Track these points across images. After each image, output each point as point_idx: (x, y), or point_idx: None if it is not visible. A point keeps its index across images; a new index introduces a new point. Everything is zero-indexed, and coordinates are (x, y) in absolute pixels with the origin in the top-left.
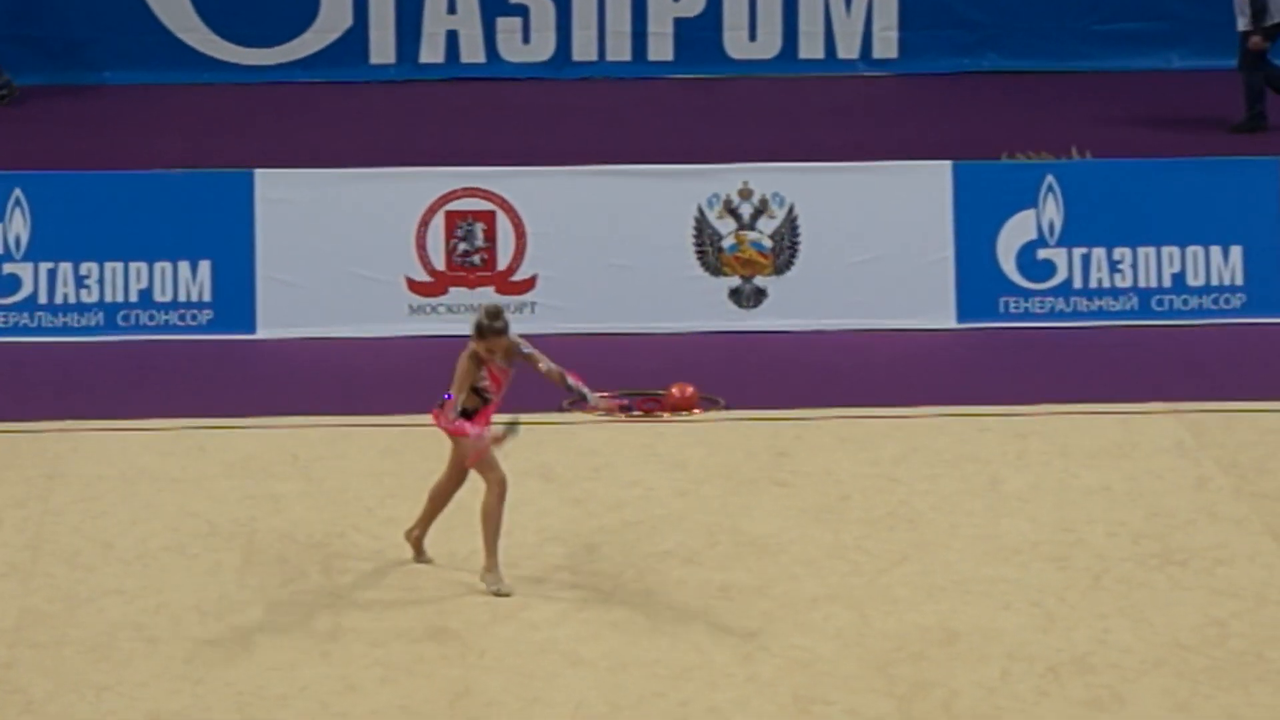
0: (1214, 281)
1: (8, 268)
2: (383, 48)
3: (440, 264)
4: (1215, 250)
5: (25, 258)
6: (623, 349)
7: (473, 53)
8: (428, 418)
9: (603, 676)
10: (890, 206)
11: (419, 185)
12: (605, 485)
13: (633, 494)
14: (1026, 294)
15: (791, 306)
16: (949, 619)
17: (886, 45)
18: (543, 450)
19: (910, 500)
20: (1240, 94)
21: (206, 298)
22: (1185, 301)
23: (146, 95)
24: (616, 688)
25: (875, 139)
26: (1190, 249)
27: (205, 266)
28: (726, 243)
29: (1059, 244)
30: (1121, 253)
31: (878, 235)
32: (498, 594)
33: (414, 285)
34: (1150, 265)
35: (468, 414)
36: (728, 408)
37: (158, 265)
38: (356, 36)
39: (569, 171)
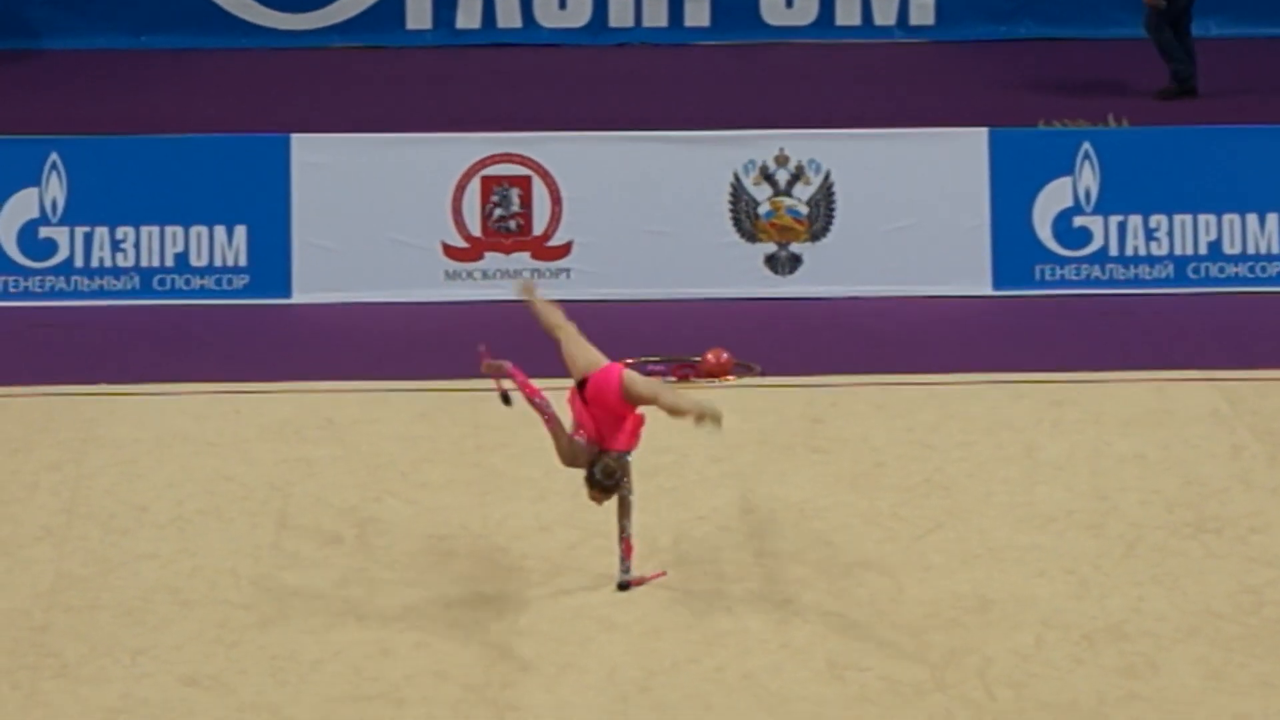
0: (1250, 249)
1: (44, 231)
2: (419, 13)
3: (476, 229)
4: (1252, 218)
5: (61, 221)
6: (658, 315)
7: (509, 18)
8: (463, 382)
9: (636, 642)
10: (926, 173)
11: (455, 150)
12: (639, 451)
13: (667, 460)
14: (1062, 261)
15: (827, 273)
16: (983, 586)
17: (923, 12)
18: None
19: (945, 467)
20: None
21: (242, 262)
22: (1222, 269)
23: (183, 60)
24: (650, 653)
25: (911, 106)
26: (1227, 216)
27: (241, 231)
28: (762, 209)
29: (1095, 211)
30: (1158, 220)
31: (913, 202)
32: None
33: (449, 250)
34: (1187, 233)
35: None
36: (763, 374)
37: (193, 230)
38: (393, 2)
39: (605, 137)
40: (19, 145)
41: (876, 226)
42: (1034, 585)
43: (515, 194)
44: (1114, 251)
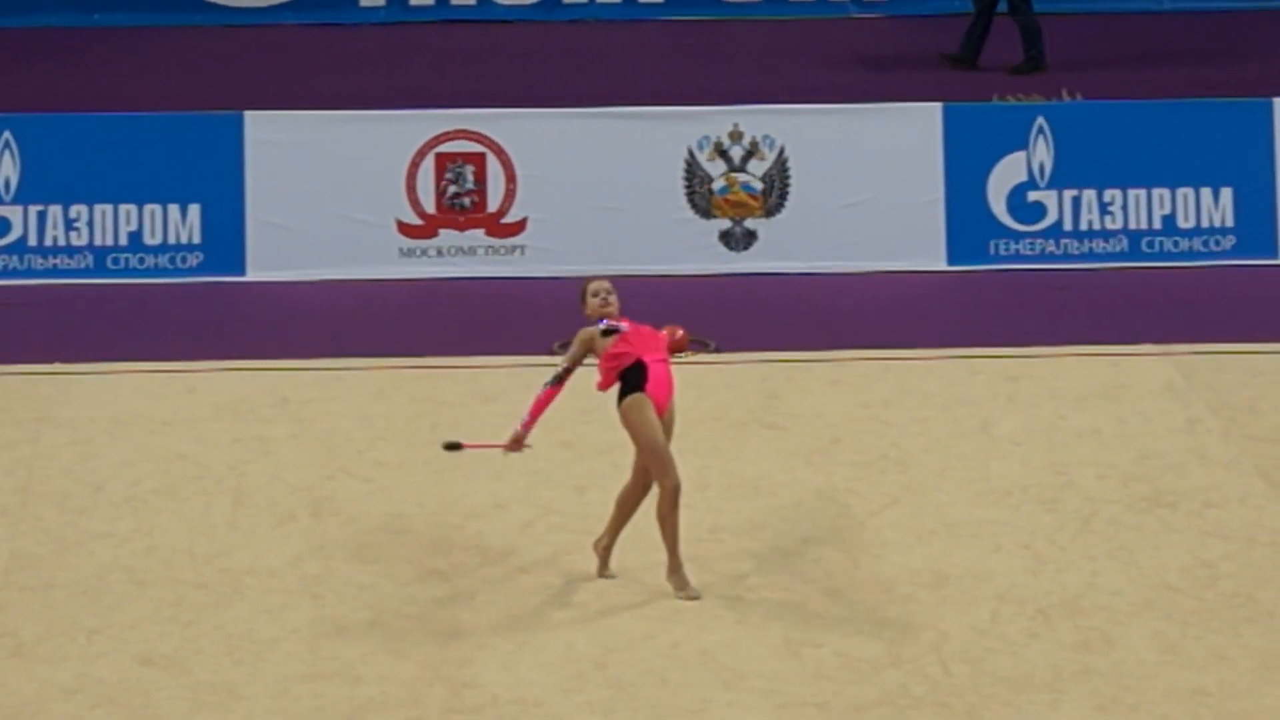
0: (1204, 223)
1: None
2: None
3: (430, 207)
4: (1206, 192)
5: (15, 200)
6: None
7: None
8: (418, 360)
9: (592, 619)
10: (880, 149)
11: (409, 128)
12: (596, 428)
13: (623, 437)
14: (1017, 236)
15: (782, 249)
16: (939, 561)
17: None
18: (531, 392)
19: (900, 443)
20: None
21: (196, 240)
22: (1176, 243)
23: (137, 37)
24: (606, 630)
25: (866, 81)
26: (1181, 191)
27: (195, 209)
28: (717, 185)
29: (1049, 186)
30: (1112, 194)
31: (868, 177)
32: (687, 598)
33: (404, 228)
34: (1141, 207)
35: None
36: (718, 350)
37: (147, 208)
38: None
39: (559, 114)
40: None
41: (831, 202)
42: (990, 560)
43: (470, 171)
44: (1068, 226)
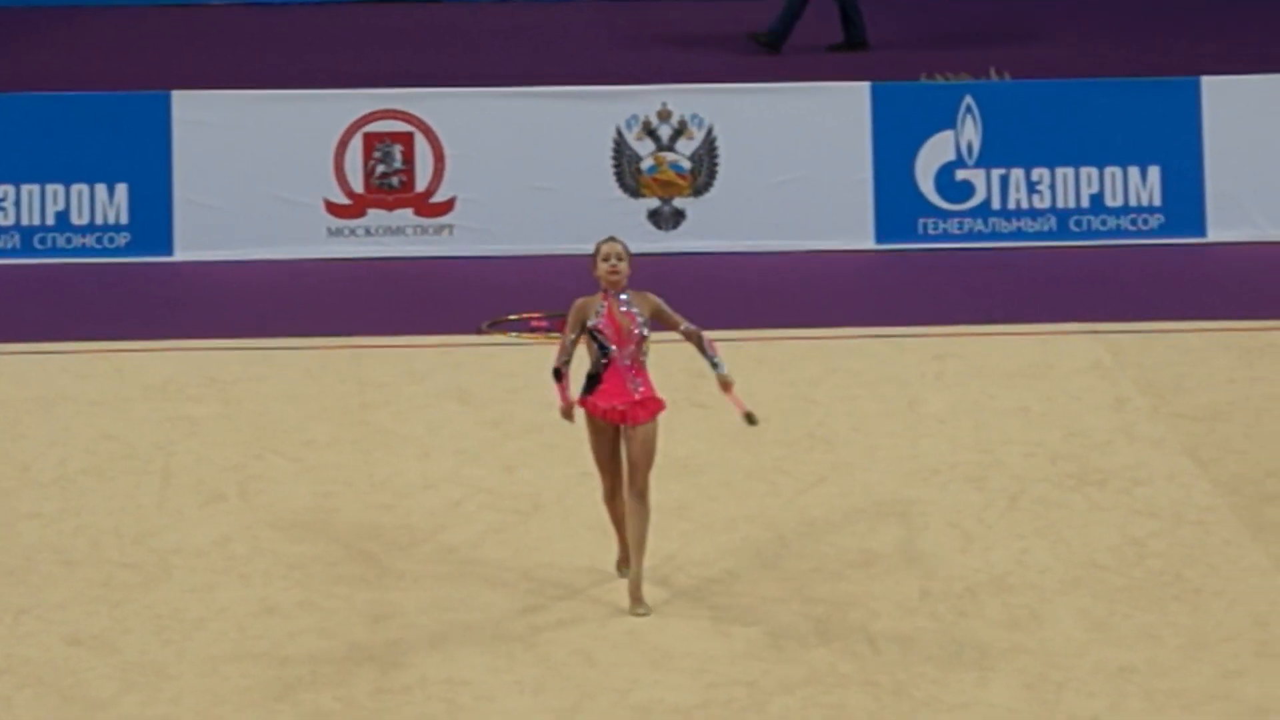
0: (1132, 202)
1: None
2: None
3: (359, 186)
4: (1133, 171)
5: None
6: (541, 271)
7: None
8: (347, 339)
9: (521, 599)
10: (809, 127)
11: (337, 107)
12: (523, 407)
13: (551, 416)
14: (945, 215)
15: (710, 228)
16: (867, 540)
17: None
18: (460, 371)
19: (828, 421)
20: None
21: (123, 220)
22: (1103, 222)
23: (63, 17)
24: (535, 609)
25: (794, 60)
26: (1108, 169)
27: (122, 189)
28: (645, 164)
29: (977, 165)
30: (1040, 173)
31: (796, 156)
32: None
33: (332, 207)
34: (1068, 186)
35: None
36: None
37: (74, 188)
38: None
39: (487, 93)
40: None
41: (759, 181)
42: (918, 539)
43: (398, 150)
44: (996, 205)
